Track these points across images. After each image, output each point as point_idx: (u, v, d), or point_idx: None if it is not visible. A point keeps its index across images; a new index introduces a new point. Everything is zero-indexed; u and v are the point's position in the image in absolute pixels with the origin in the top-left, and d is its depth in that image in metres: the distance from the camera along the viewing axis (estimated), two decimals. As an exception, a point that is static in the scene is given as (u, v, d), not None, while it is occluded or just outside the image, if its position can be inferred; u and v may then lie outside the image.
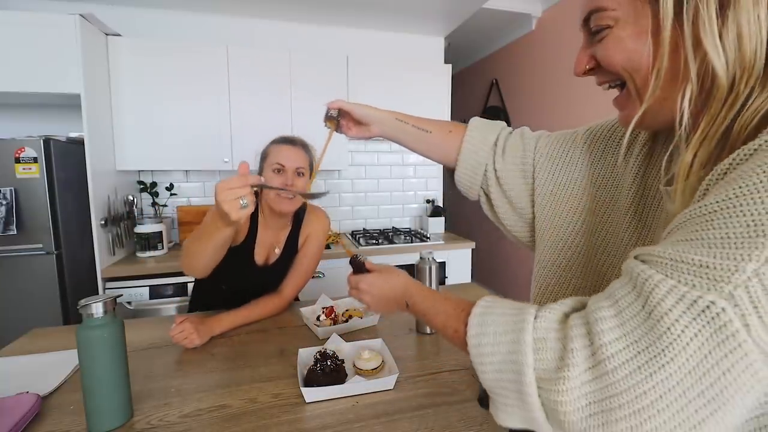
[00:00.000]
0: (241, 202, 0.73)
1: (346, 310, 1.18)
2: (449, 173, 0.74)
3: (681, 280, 0.31)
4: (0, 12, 1.73)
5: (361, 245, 2.39)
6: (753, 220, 0.29)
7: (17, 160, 1.73)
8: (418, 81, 2.59)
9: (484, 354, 0.41)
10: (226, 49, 2.23)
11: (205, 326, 1.01)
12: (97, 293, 1.93)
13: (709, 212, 0.32)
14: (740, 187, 0.30)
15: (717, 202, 0.32)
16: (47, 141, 1.77)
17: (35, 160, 1.74)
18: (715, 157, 0.36)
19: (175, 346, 1.00)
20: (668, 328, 0.30)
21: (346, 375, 0.82)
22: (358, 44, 2.78)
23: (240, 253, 1.15)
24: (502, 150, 0.68)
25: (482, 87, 3.81)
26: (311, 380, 0.79)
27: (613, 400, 0.32)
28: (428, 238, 2.60)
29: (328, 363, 0.81)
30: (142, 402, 0.76)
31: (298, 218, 1.26)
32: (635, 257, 0.36)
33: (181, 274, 2.00)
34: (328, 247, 2.45)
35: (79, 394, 0.72)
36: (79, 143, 1.92)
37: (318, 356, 0.83)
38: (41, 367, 0.89)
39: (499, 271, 3.72)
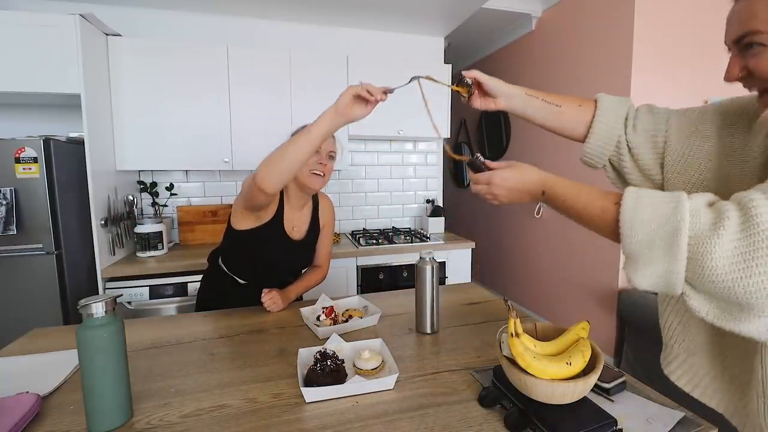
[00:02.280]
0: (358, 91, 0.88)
1: (346, 310, 1.18)
2: (580, 141, 0.81)
3: None
4: (0, 12, 1.74)
5: (362, 245, 2.39)
6: None
7: (17, 160, 1.73)
8: (418, 81, 2.59)
9: (639, 221, 0.50)
10: (226, 49, 2.23)
11: (283, 294, 1.26)
12: (97, 293, 1.93)
13: None
14: None
15: None
16: (47, 141, 1.77)
17: (35, 160, 1.74)
18: None
19: (175, 346, 1.01)
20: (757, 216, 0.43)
21: (346, 375, 0.82)
22: (358, 44, 2.78)
23: (273, 226, 1.25)
24: (633, 124, 0.75)
25: (482, 87, 3.81)
26: (311, 380, 0.79)
27: (758, 254, 0.43)
28: (428, 238, 2.60)
29: (328, 363, 0.80)
30: (142, 402, 0.76)
31: (315, 201, 1.40)
32: None
33: (181, 274, 2.00)
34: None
35: (79, 394, 0.72)
36: (79, 143, 1.92)
37: (318, 356, 0.83)
38: (41, 367, 0.89)
39: (499, 271, 3.72)
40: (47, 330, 1.14)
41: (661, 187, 0.73)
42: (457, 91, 0.83)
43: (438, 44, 2.97)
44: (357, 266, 2.32)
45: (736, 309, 0.47)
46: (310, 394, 0.75)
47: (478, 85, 0.81)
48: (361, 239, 2.52)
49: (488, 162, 0.72)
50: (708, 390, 0.70)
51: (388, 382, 0.79)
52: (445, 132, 2.73)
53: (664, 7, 2.26)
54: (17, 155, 1.73)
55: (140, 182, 2.38)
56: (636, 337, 2.22)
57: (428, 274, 1.06)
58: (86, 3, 2.26)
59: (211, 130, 2.25)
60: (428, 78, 0.86)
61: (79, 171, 1.89)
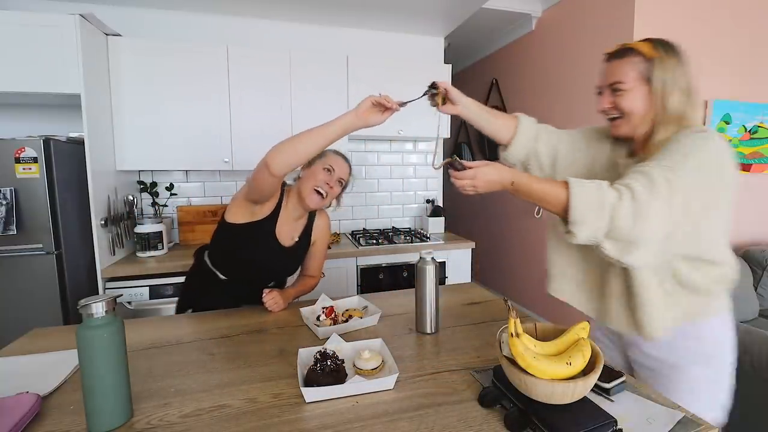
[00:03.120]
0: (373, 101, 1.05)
1: (346, 310, 1.18)
2: (501, 148, 1.13)
3: (652, 174, 0.76)
4: (0, 12, 1.74)
5: (362, 245, 2.39)
6: (683, 151, 0.78)
7: (17, 160, 1.73)
8: (418, 81, 2.58)
9: (581, 200, 0.76)
10: (226, 49, 2.23)
11: (284, 294, 1.28)
12: (97, 293, 1.93)
13: (665, 150, 0.81)
14: (676, 141, 0.81)
15: (667, 148, 0.81)
16: (47, 141, 1.77)
17: (35, 160, 1.74)
18: (655, 147, 0.86)
19: (175, 346, 1.01)
20: (638, 195, 0.74)
21: (346, 375, 0.82)
22: (358, 44, 2.78)
23: (265, 226, 1.27)
24: (539, 139, 1.09)
25: (482, 87, 3.81)
26: (311, 380, 0.79)
27: (641, 212, 0.73)
28: (428, 238, 2.60)
29: (328, 363, 0.80)
30: (142, 402, 0.76)
31: (311, 216, 1.40)
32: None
33: (181, 274, 2.00)
34: (327, 247, 2.45)
35: (79, 394, 0.72)
36: (79, 143, 1.92)
37: (318, 356, 0.83)
38: (41, 367, 0.89)
39: (498, 271, 3.72)
40: (47, 330, 1.14)
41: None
42: (433, 98, 1.08)
43: (438, 44, 2.97)
44: (357, 266, 2.32)
45: (628, 246, 0.75)
46: (310, 394, 0.75)
47: (446, 93, 1.06)
48: (361, 239, 2.52)
49: (465, 162, 0.88)
50: (575, 298, 1.04)
51: (388, 382, 0.79)
52: (446, 132, 2.73)
53: (664, 7, 2.26)
54: (17, 155, 1.73)
55: (140, 182, 2.38)
56: (636, 337, 2.22)
57: (428, 274, 1.06)
58: (86, 3, 2.26)
59: (211, 130, 2.25)
60: (432, 89, 1.07)
61: (79, 171, 1.88)
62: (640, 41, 0.89)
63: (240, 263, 1.29)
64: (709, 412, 0.85)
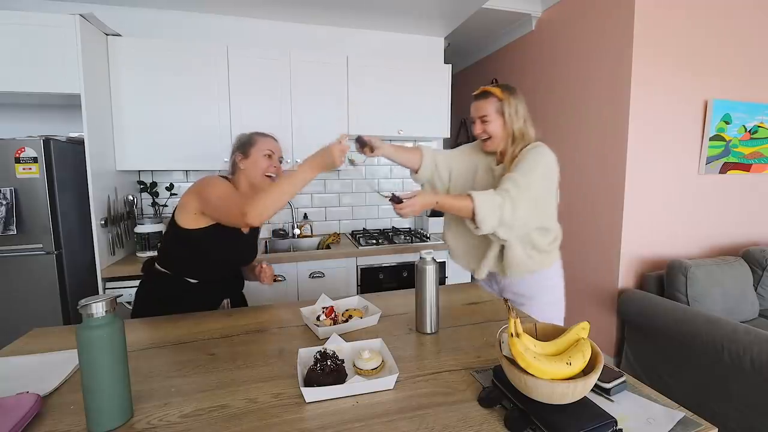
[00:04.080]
0: (347, 156, 1.18)
1: (346, 310, 1.18)
2: (411, 172, 1.49)
3: (517, 181, 1.19)
4: (0, 12, 1.74)
5: (362, 245, 2.39)
6: (529, 164, 1.22)
7: (17, 160, 1.73)
8: (418, 81, 2.59)
9: (483, 206, 1.14)
10: (226, 49, 2.23)
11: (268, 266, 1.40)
12: (97, 293, 1.93)
13: (520, 163, 1.24)
14: (524, 157, 1.25)
15: (520, 161, 1.24)
16: (47, 141, 1.77)
17: (35, 160, 1.74)
18: (511, 156, 1.30)
19: (175, 346, 1.01)
20: (513, 195, 1.17)
21: (346, 375, 0.82)
22: (358, 44, 2.78)
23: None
24: (437, 162, 1.46)
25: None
26: (311, 380, 0.79)
27: (515, 207, 1.16)
28: (428, 238, 2.60)
29: (328, 363, 0.80)
30: (142, 402, 0.76)
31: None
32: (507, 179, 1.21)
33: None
34: (327, 246, 2.45)
35: (79, 394, 0.72)
36: (79, 143, 1.92)
37: (318, 356, 0.83)
38: (41, 367, 0.89)
39: (499, 271, 3.72)
40: (47, 330, 1.14)
41: (448, 190, 1.48)
42: (362, 153, 1.35)
43: (438, 44, 2.97)
44: (357, 266, 2.32)
45: (510, 229, 1.19)
46: (310, 394, 0.75)
47: (368, 144, 1.32)
48: (361, 239, 2.52)
49: (401, 195, 1.17)
50: (465, 261, 1.48)
51: (388, 382, 0.79)
52: (446, 132, 2.73)
53: (664, 7, 2.26)
54: (17, 155, 1.73)
55: (140, 182, 2.38)
56: (636, 337, 2.22)
57: (428, 274, 1.06)
58: (86, 3, 2.26)
59: (211, 130, 2.24)
60: (359, 143, 1.33)
61: (79, 171, 1.89)
62: (494, 87, 1.31)
63: (209, 264, 1.29)
64: (556, 321, 1.39)
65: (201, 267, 1.30)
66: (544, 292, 1.40)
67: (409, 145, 3.10)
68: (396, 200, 1.17)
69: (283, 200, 1.13)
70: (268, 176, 1.31)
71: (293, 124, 2.38)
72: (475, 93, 1.34)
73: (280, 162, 1.38)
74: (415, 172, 1.46)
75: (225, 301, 1.40)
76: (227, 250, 1.30)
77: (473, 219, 1.16)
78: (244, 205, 1.10)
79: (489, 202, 1.14)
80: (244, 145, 1.33)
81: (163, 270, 1.31)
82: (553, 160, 1.26)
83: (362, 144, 1.31)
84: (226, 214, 1.18)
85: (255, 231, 1.44)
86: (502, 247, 1.31)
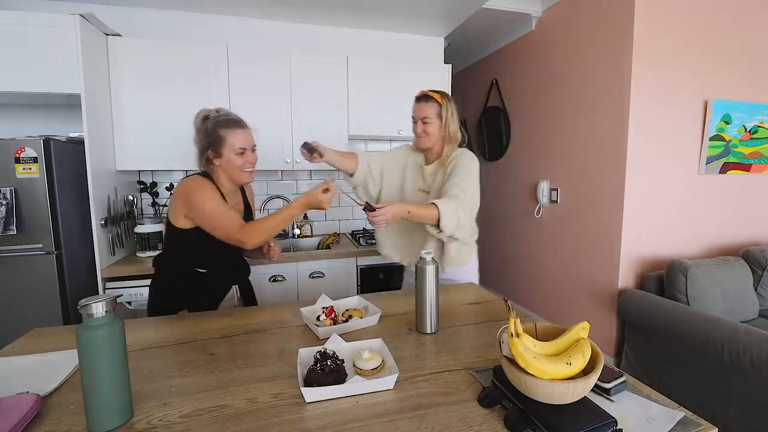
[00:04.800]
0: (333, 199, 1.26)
1: (346, 310, 1.18)
2: (346, 176, 1.59)
3: (463, 187, 1.38)
4: (0, 12, 1.74)
5: (362, 245, 2.39)
6: (465, 170, 1.42)
7: (17, 160, 1.73)
8: (418, 81, 2.59)
9: (447, 213, 1.29)
10: (226, 49, 2.23)
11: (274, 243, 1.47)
12: (97, 293, 1.93)
13: (454, 176, 1.40)
14: (459, 163, 1.44)
15: (456, 166, 1.43)
16: (47, 141, 1.77)
17: (35, 160, 1.74)
18: (445, 157, 1.50)
19: (175, 346, 1.01)
20: (462, 199, 1.35)
21: (346, 375, 0.82)
22: (358, 44, 2.78)
23: None
24: (371, 165, 1.57)
25: (482, 87, 3.81)
26: (311, 380, 0.79)
27: (463, 212, 1.34)
28: (428, 238, 2.60)
29: (328, 363, 0.80)
30: (142, 402, 0.76)
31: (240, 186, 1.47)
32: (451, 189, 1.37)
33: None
34: (327, 246, 2.45)
35: (79, 394, 0.72)
36: (79, 143, 1.92)
37: (318, 356, 0.83)
38: (41, 367, 0.89)
39: (499, 271, 3.72)
40: (47, 330, 1.14)
41: (380, 191, 1.60)
42: (315, 158, 1.43)
43: (438, 44, 2.97)
44: (357, 266, 2.32)
45: (461, 228, 1.36)
46: (310, 394, 0.75)
47: (316, 150, 1.43)
48: (361, 239, 2.52)
49: (376, 205, 1.23)
50: (399, 256, 1.65)
51: (388, 382, 0.79)
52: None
53: (664, 7, 2.26)
54: (17, 155, 1.73)
55: (140, 182, 2.38)
56: (636, 337, 2.22)
57: (428, 274, 1.06)
58: (86, 3, 2.26)
59: (211, 130, 2.24)
60: (310, 150, 1.42)
61: (79, 171, 1.89)
62: (433, 92, 1.47)
63: (213, 255, 1.34)
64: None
65: (203, 259, 1.34)
66: (469, 276, 1.68)
67: (409, 145, 3.13)
68: (369, 209, 1.21)
69: (277, 231, 1.25)
70: (247, 171, 1.34)
71: (293, 124, 2.38)
72: (417, 95, 1.50)
73: (254, 151, 1.37)
74: (350, 175, 1.56)
75: (234, 287, 1.43)
76: (223, 243, 1.29)
77: (437, 224, 1.31)
78: (240, 233, 1.21)
79: (450, 209, 1.29)
80: (215, 144, 1.29)
81: (174, 266, 1.36)
82: (478, 165, 1.48)
83: (310, 150, 1.40)
84: (221, 234, 1.24)
85: (247, 216, 1.45)
86: (438, 243, 1.49)
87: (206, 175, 1.32)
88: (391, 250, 1.65)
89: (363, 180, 1.56)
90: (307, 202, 1.24)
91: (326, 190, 1.23)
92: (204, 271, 1.35)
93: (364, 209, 1.23)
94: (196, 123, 1.33)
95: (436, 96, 1.46)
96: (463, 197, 1.34)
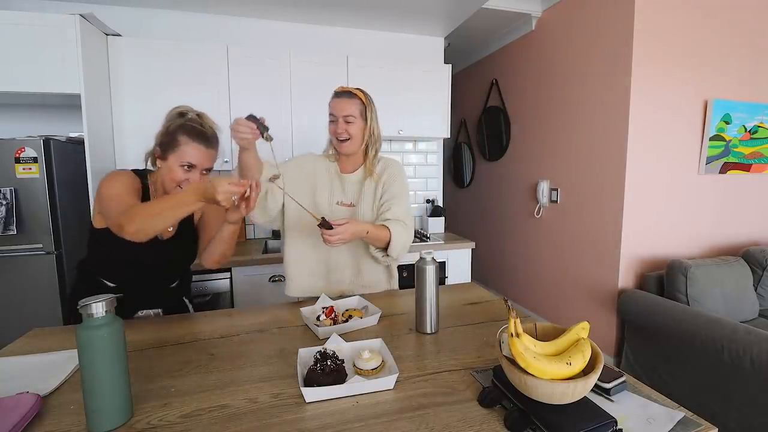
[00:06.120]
0: (233, 198, 1.03)
1: (346, 310, 1.18)
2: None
3: (405, 209, 1.32)
4: (0, 12, 1.74)
5: (361, 245, 2.39)
6: (401, 188, 1.34)
7: (17, 160, 1.73)
8: (418, 81, 2.59)
9: (397, 236, 1.24)
10: (226, 48, 2.23)
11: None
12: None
13: (395, 195, 1.32)
14: (394, 178, 1.35)
15: (389, 180, 1.34)
16: (47, 141, 1.77)
17: (35, 160, 1.74)
18: (371, 165, 1.35)
19: (175, 346, 1.01)
20: (406, 223, 1.29)
21: (346, 375, 0.82)
22: (358, 44, 2.78)
23: None
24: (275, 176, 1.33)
25: (482, 87, 3.81)
26: (311, 380, 0.79)
27: (409, 236, 1.30)
28: (428, 238, 2.60)
29: (328, 363, 0.80)
30: (142, 402, 0.76)
31: None
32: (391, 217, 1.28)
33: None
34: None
35: (79, 394, 0.72)
36: (79, 143, 1.92)
37: (318, 356, 0.83)
38: (41, 367, 0.89)
39: (499, 271, 3.72)
40: (47, 330, 1.14)
41: (283, 205, 1.33)
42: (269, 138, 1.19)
43: (438, 44, 2.97)
44: (357, 266, 2.32)
45: (404, 250, 1.29)
46: (310, 394, 0.75)
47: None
48: (361, 239, 2.52)
49: (333, 222, 1.10)
50: (312, 288, 1.36)
51: (388, 382, 0.79)
52: (446, 132, 2.73)
53: (664, 6, 2.26)
54: (17, 155, 1.73)
55: (140, 182, 2.37)
56: (636, 337, 2.22)
57: (428, 274, 1.06)
58: (86, 3, 2.26)
59: (211, 130, 2.24)
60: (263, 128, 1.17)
61: (79, 171, 1.89)
62: (355, 89, 1.29)
63: (122, 266, 1.18)
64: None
65: (112, 268, 1.19)
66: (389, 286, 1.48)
67: (409, 146, 3.14)
68: (326, 226, 1.09)
69: (164, 222, 1.00)
70: (179, 187, 1.16)
71: (293, 124, 2.38)
72: (337, 90, 1.31)
73: (208, 172, 1.20)
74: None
75: (141, 312, 1.23)
76: (133, 251, 1.11)
77: (385, 248, 1.26)
78: (121, 216, 0.99)
79: (400, 232, 1.25)
80: (166, 146, 1.15)
81: (89, 271, 1.22)
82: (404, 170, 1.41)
83: (266, 129, 1.17)
84: (108, 218, 1.04)
85: (184, 235, 1.27)
86: (356, 269, 1.37)
87: (141, 172, 1.20)
88: (309, 277, 1.36)
89: (263, 192, 1.28)
90: (203, 189, 0.99)
91: (244, 185, 1.02)
92: (113, 285, 1.18)
93: (319, 226, 1.10)
94: (167, 115, 1.19)
95: (360, 94, 1.28)
96: (407, 220, 1.28)
